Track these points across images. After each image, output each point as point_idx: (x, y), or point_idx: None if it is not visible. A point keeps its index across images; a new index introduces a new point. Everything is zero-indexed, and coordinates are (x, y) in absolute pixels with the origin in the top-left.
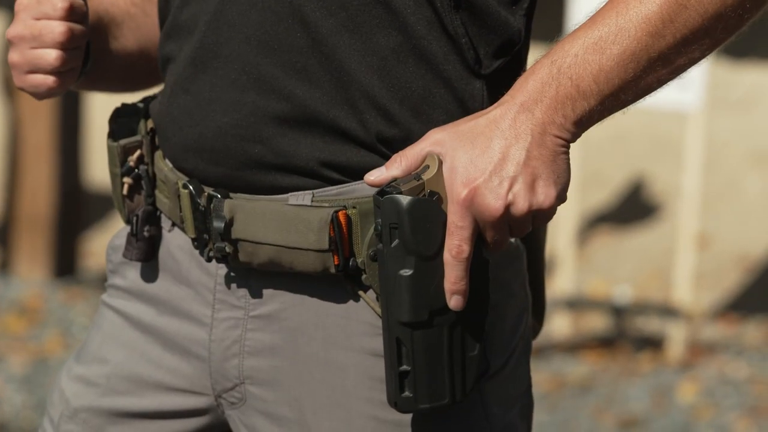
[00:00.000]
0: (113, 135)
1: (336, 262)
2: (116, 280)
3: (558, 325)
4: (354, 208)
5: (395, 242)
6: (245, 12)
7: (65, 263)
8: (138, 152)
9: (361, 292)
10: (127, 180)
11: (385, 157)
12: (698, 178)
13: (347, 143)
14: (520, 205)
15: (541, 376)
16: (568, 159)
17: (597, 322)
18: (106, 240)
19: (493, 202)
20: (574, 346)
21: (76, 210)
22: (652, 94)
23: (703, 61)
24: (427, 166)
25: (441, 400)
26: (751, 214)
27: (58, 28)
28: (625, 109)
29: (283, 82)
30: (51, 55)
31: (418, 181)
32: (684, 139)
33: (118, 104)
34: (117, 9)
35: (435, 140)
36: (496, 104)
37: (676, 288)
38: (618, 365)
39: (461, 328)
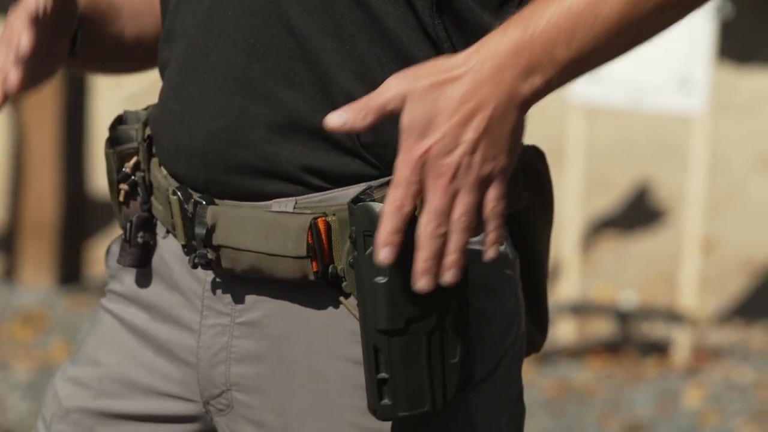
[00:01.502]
0: (111, 142)
1: (315, 269)
2: (114, 285)
3: (563, 331)
4: (334, 215)
5: (369, 250)
6: (232, 17)
7: (70, 270)
8: (134, 159)
9: (342, 299)
10: (123, 186)
11: (368, 162)
12: (703, 183)
13: (330, 148)
14: (473, 172)
15: (546, 381)
16: (525, 121)
17: (602, 328)
18: None
19: (446, 161)
20: (579, 352)
21: (80, 217)
22: (619, 58)
23: (673, 26)
24: None
25: (421, 407)
26: (756, 219)
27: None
28: (590, 73)
29: (269, 87)
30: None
31: None
32: (689, 143)
33: (121, 112)
34: None
35: (397, 94)
36: (463, 60)
37: (681, 293)
38: (623, 371)
39: (440, 335)
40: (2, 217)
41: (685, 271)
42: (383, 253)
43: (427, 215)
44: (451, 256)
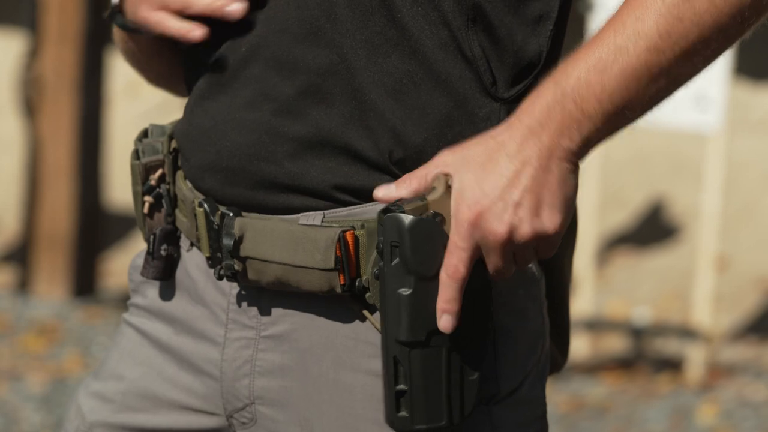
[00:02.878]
0: (137, 154)
1: (342, 282)
2: (137, 299)
3: (577, 346)
4: (362, 228)
5: (395, 261)
6: (263, 33)
7: (85, 283)
8: (159, 171)
9: (366, 312)
10: (147, 198)
11: (397, 178)
12: (718, 200)
13: (360, 165)
14: (524, 231)
15: (559, 397)
16: (576, 177)
17: (616, 344)
18: (126, 260)
19: (498, 227)
20: (593, 368)
21: (95, 229)
22: (658, 106)
23: (707, 69)
24: (434, 188)
25: (438, 422)
26: None
27: None
28: (632, 125)
29: (298, 103)
30: None
31: (422, 201)
32: (704, 160)
33: (145, 125)
34: None
35: (443, 163)
36: (504, 126)
37: (695, 309)
38: (637, 387)
39: (460, 350)
40: (17, 228)
41: (699, 288)
42: (443, 321)
43: (491, 274)
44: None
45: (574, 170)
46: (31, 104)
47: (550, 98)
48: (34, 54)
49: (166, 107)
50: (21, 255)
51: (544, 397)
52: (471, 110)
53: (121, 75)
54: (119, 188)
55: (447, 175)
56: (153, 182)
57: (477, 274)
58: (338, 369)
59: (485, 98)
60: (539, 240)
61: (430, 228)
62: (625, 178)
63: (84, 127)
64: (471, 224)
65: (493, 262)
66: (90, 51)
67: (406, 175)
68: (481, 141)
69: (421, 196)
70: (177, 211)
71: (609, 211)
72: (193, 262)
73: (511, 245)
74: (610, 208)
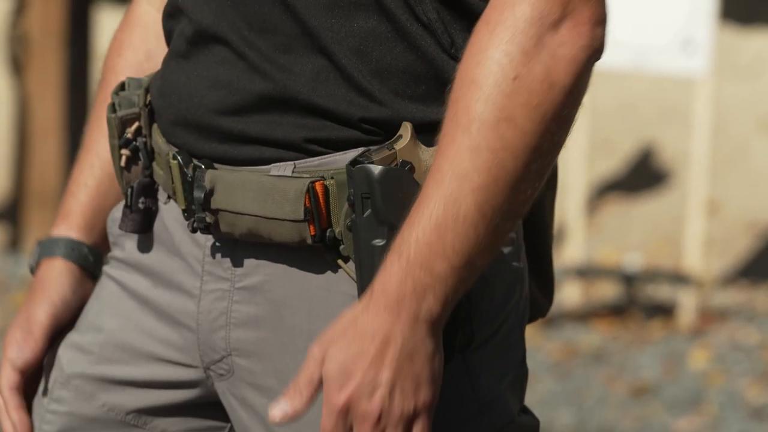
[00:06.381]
0: (113, 107)
1: (312, 233)
2: (116, 252)
3: (569, 294)
4: (332, 178)
5: (367, 212)
6: None
7: None
8: (136, 124)
9: (340, 263)
10: (124, 152)
11: (368, 133)
12: (707, 145)
13: (329, 122)
14: (396, 411)
15: (552, 345)
16: (441, 347)
17: (608, 291)
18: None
19: (368, 408)
20: (585, 315)
21: None
22: (509, 238)
23: (539, 188)
24: (400, 136)
25: None
26: (760, 180)
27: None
28: (483, 268)
29: (267, 62)
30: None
31: (390, 150)
32: (692, 105)
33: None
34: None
35: (313, 357)
36: (362, 307)
37: (686, 255)
38: (629, 333)
39: None
40: (7, 187)
41: (690, 233)
42: None
43: None
44: None
45: (438, 340)
46: (18, 62)
47: (397, 271)
48: (20, 11)
49: None
50: (11, 213)
51: (523, 341)
52: (436, 66)
53: (108, 31)
54: None
55: (412, 123)
56: (129, 135)
57: None
58: (312, 320)
59: (447, 57)
60: (410, 418)
61: (400, 177)
62: (613, 125)
63: (71, 84)
64: (341, 410)
65: None
66: (76, 7)
67: (291, 387)
68: (342, 325)
69: (388, 144)
70: (154, 164)
71: (598, 159)
72: (170, 214)
73: (381, 425)
74: (599, 155)
